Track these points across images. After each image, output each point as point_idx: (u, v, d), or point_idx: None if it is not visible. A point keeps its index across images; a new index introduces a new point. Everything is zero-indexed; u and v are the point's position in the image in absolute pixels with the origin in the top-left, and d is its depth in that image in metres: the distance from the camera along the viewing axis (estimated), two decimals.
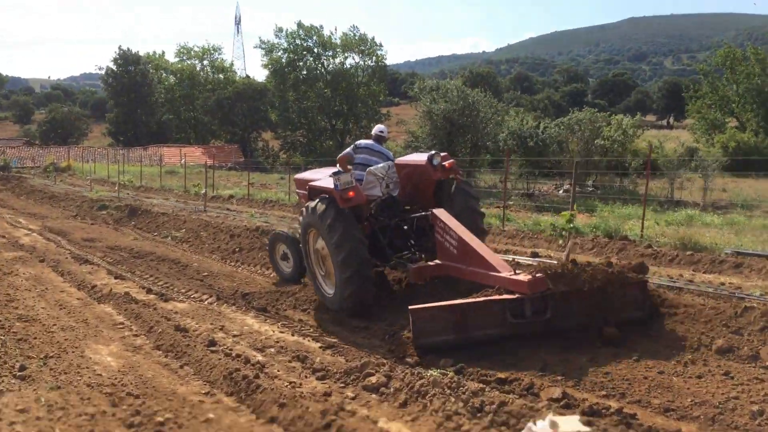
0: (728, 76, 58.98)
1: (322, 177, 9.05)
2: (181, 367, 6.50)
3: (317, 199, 8.32)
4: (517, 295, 6.66)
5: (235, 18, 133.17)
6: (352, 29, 70.78)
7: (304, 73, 71.88)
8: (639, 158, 22.68)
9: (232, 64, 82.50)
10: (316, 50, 71.14)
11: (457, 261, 7.73)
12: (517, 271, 6.89)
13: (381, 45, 71.45)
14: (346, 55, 71.63)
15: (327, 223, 7.95)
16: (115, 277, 11.33)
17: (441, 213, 8.17)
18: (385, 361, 6.46)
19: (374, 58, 71.82)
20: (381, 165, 9.16)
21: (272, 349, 7.02)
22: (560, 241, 12.41)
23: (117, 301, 9.40)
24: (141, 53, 72.24)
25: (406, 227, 8.93)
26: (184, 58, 79.01)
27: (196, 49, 79.05)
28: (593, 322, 6.69)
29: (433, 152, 8.88)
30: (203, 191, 20.56)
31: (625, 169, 22.78)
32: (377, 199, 8.89)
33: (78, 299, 9.75)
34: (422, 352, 6.54)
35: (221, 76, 79.82)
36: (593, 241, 12.19)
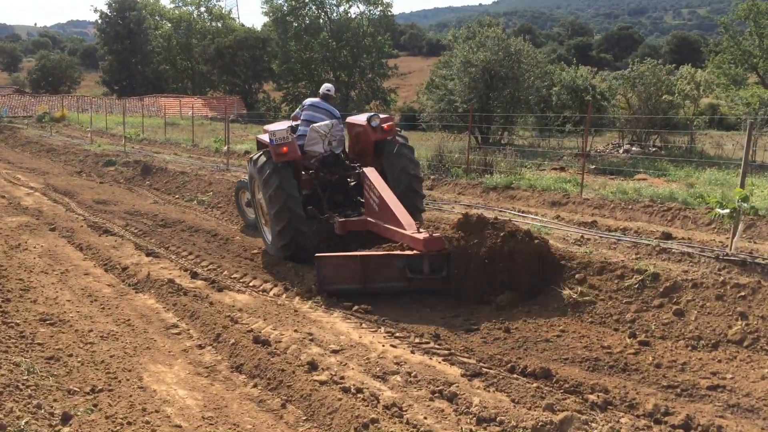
0: (752, 30, 56.49)
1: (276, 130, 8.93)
2: (284, 406, 4.67)
3: (260, 152, 8.90)
4: (415, 252, 7.06)
5: None
6: None
7: (307, 22, 68.61)
8: (704, 115, 20.79)
9: (230, 12, 78.90)
10: None
11: (377, 217, 8.19)
12: (420, 230, 7.23)
13: None
14: (350, 3, 68.32)
15: (263, 177, 8.45)
16: (147, 254, 9.40)
17: (370, 172, 8.53)
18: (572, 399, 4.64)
19: (380, 7, 68.54)
20: (325, 122, 9.30)
21: (397, 377, 5.16)
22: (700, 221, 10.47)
23: (160, 291, 7.52)
24: None
25: (353, 184, 9.30)
26: (180, 3, 75.36)
27: None
28: (490, 285, 7.02)
29: (372, 113, 9.23)
30: (225, 148, 18.43)
31: (687, 128, 20.81)
32: (319, 156, 9.19)
33: (109, 286, 7.85)
34: (327, 296, 7.15)
35: (218, 24, 76.28)
36: (708, 215, 10.28)
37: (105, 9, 65.61)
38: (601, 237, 8.65)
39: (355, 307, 6.90)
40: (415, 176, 9.10)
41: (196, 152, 24.58)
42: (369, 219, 8.41)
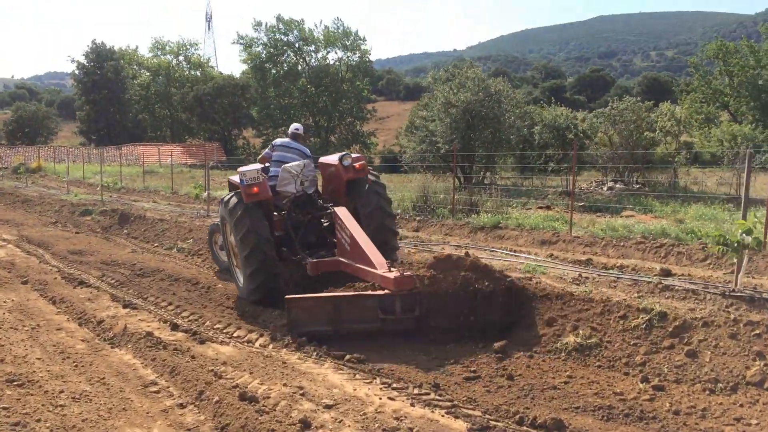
0: (721, 69, 57.85)
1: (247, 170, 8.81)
2: None
3: (231, 193, 8.87)
4: (386, 291, 6.94)
5: (206, 15, 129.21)
6: (336, 22, 68.15)
7: (285, 68, 69.13)
8: (684, 151, 20.82)
9: (209, 60, 79.16)
10: (297, 45, 68.44)
11: (349, 257, 8.08)
12: (391, 269, 7.13)
13: (365, 39, 69.04)
14: (328, 50, 69.04)
15: (234, 219, 8.33)
16: (124, 306, 8.92)
17: (341, 211, 8.48)
18: None
19: (358, 52, 69.34)
20: (296, 162, 9.24)
21: None
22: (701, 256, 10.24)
23: (137, 345, 7.03)
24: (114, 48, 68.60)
25: (327, 224, 9.19)
26: (159, 53, 75.60)
27: (171, 44, 75.70)
28: (462, 323, 6.96)
29: (344, 153, 9.22)
30: (205, 194, 18.04)
31: (670, 164, 20.82)
32: (291, 196, 9.10)
33: (83, 341, 7.35)
34: (297, 336, 6.94)
35: (197, 72, 76.51)
36: (703, 251, 10.05)
37: (82, 59, 65.42)
38: (599, 275, 8.36)
39: (347, 356, 6.48)
40: (387, 213, 9.05)
41: (176, 199, 24.14)
42: (341, 259, 8.33)
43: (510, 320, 7.09)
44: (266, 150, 10.12)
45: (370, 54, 69.79)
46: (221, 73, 77.62)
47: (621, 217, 15.14)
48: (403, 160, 23.30)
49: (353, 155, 9.13)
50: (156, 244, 14.60)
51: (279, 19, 67.23)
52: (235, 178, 9.03)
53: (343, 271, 8.23)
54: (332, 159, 9.40)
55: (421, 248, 11.52)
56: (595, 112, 23.06)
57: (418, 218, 15.71)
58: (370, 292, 7.13)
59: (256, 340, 7.30)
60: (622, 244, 11.26)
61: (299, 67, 69.37)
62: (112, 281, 10.57)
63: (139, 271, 11.26)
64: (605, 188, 20.87)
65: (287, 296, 7.15)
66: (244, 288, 8.63)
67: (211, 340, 7.34)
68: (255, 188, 8.27)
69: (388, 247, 8.63)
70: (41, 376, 5.99)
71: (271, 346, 7.08)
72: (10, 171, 43.97)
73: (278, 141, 10.05)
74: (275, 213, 9.10)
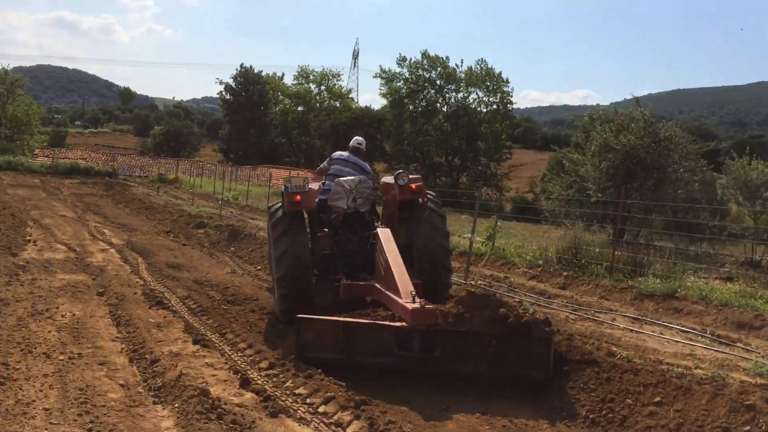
0: None
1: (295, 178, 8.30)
2: None
3: (278, 202, 8.27)
4: (403, 324, 6.19)
5: (353, 52, 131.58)
6: (479, 62, 66.44)
7: (423, 104, 68.06)
8: None
9: (349, 91, 79.90)
10: (438, 82, 67.25)
11: (382, 283, 7.35)
12: (416, 299, 6.20)
13: (508, 81, 66.67)
14: (470, 89, 67.26)
15: (275, 235, 7.82)
16: (195, 341, 7.00)
17: (383, 233, 7.79)
18: None
19: (499, 94, 67.08)
20: (351, 177, 8.66)
21: None
22: None
23: (186, 405, 4.99)
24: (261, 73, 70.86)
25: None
26: (302, 81, 77.33)
27: (315, 73, 77.22)
28: (487, 371, 6.08)
29: (400, 170, 8.55)
30: None
31: None
32: (341, 212, 8.51)
33: (122, 387, 5.43)
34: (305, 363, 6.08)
35: (337, 103, 77.41)
36: None
37: (231, 81, 67.80)
38: None
39: None
40: (442, 247, 8.22)
41: None
42: (375, 284, 7.54)
43: (544, 376, 6.07)
44: (324, 163, 9.45)
45: (511, 96, 67.30)
46: (359, 106, 78.05)
47: None
48: (545, 206, 20.54)
49: (411, 176, 8.32)
50: (259, 267, 12.86)
51: (424, 54, 66.48)
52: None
53: (376, 298, 7.50)
54: (390, 179, 8.57)
55: (583, 315, 8.88)
56: None
57: (565, 273, 13.02)
58: (386, 323, 6.40)
59: (348, 424, 5.03)
60: None
61: (437, 105, 68.03)
62: (194, 306, 8.75)
63: (230, 297, 9.42)
64: None
65: (298, 315, 6.41)
66: (276, 306, 7.99)
67: (286, 411, 5.18)
68: (297, 196, 7.70)
69: (439, 285, 7.99)
70: None
71: None
72: (149, 180, 45.31)
73: (336, 154, 9.33)
74: (325, 230, 8.56)
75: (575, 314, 8.81)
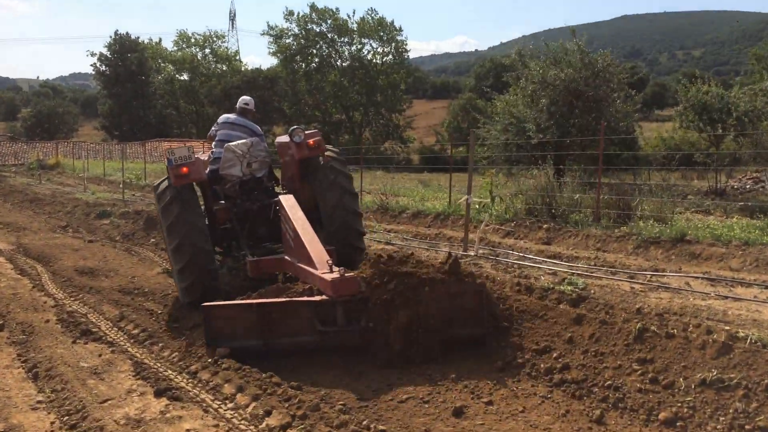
0: None
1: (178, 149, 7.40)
2: None
3: (164, 178, 7.50)
4: (323, 297, 5.69)
5: (230, 13, 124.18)
6: (370, 12, 64.11)
7: (317, 60, 65.24)
8: None
9: (236, 53, 75.25)
10: (330, 36, 64.48)
11: (293, 255, 6.80)
12: (334, 268, 5.71)
13: (401, 30, 64.87)
14: (363, 41, 64.97)
15: (162, 206, 7.22)
16: (158, 392, 4.90)
17: (286, 200, 7.24)
18: None
19: (393, 44, 65.25)
20: (242, 141, 7.94)
21: None
22: None
23: None
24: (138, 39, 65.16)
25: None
26: (184, 46, 72.06)
27: (197, 36, 72.10)
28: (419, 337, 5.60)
29: (294, 127, 7.92)
30: None
31: None
32: (236, 180, 7.82)
33: None
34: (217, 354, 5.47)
35: (224, 66, 72.86)
36: None
37: (105, 51, 62.01)
38: None
39: None
40: (351, 210, 7.71)
41: None
42: (285, 257, 7.04)
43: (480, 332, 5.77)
44: (212, 129, 8.68)
45: (406, 45, 65.66)
46: (248, 68, 73.92)
47: None
48: (481, 153, 19.10)
49: (307, 131, 7.82)
50: None
51: (312, 7, 63.33)
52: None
53: (288, 272, 7.00)
54: (284, 137, 8.04)
55: (640, 281, 7.33)
56: (746, 89, 18.54)
57: (545, 225, 11.61)
58: (304, 299, 5.89)
59: None
60: None
61: (331, 59, 65.42)
62: (137, 330, 6.53)
63: (178, 310, 7.26)
64: (764, 185, 16.46)
65: (203, 303, 5.77)
66: (178, 288, 7.22)
67: None
68: (184, 168, 6.97)
69: (353, 249, 7.50)
70: None
71: None
72: (26, 168, 40.58)
73: (223, 118, 8.59)
74: (221, 202, 7.88)
75: (629, 282, 7.21)
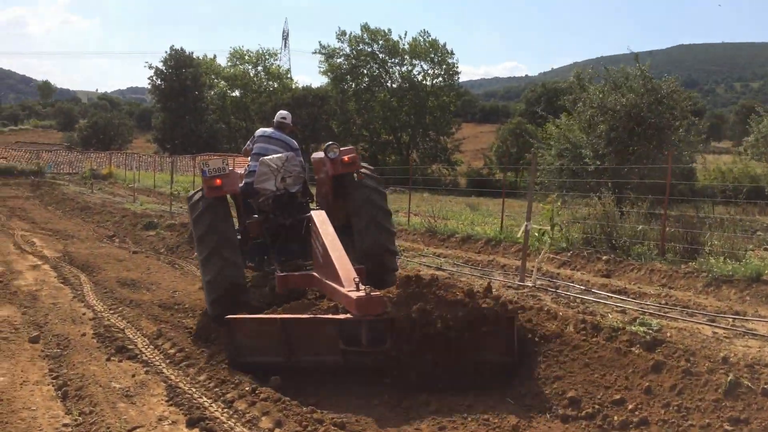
0: None
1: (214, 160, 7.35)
2: None
3: (198, 189, 7.51)
4: (348, 315, 5.53)
5: (283, 32, 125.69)
6: (423, 34, 64.09)
7: (367, 80, 65.44)
8: None
9: (288, 71, 76.19)
10: (381, 56, 64.67)
11: (322, 272, 6.59)
12: (360, 287, 5.51)
13: (452, 52, 64.64)
14: (414, 62, 64.95)
15: (194, 217, 7.17)
16: (191, 422, 4.52)
17: (318, 216, 7.05)
18: None
19: (444, 66, 65.04)
20: (278, 155, 7.79)
21: None
22: None
23: None
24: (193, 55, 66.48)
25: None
26: (237, 62, 73.30)
27: (250, 53, 73.28)
28: (446, 361, 5.49)
29: (329, 143, 7.74)
30: None
31: None
32: (270, 194, 7.69)
33: None
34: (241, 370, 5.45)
35: (275, 84, 73.77)
36: None
37: (161, 65, 63.43)
38: None
39: None
40: (386, 229, 7.50)
41: None
42: (314, 274, 6.85)
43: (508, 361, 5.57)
44: (248, 143, 8.58)
45: (457, 67, 65.38)
46: (298, 86, 74.68)
47: None
48: (536, 178, 18.42)
49: (343, 148, 7.65)
50: None
51: (364, 28, 63.71)
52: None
53: (316, 288, 6.89)
54: (320, 154, 7.85)
55: (721, 324, 6.68)
56: None
57: (605, 257, 10.96)
58: (328, 316, 5.77)
59: None
60: None
61: (381, 80, 65.54)
62: (174, 349, 6.20)
63: (216, 328, 6.91)
64: None
65: (227, 317, 5.69)
66: (207, 303, 7.03)
67: None
68: (218, 180, 6.94)
69: (380, 248, 7.29)
70: None
71: None
72: (80, 177, 41.45)
73: (259, 131, 8.55)
74: (254, 216, 7.77)
75: (709, 325, 6.58)
